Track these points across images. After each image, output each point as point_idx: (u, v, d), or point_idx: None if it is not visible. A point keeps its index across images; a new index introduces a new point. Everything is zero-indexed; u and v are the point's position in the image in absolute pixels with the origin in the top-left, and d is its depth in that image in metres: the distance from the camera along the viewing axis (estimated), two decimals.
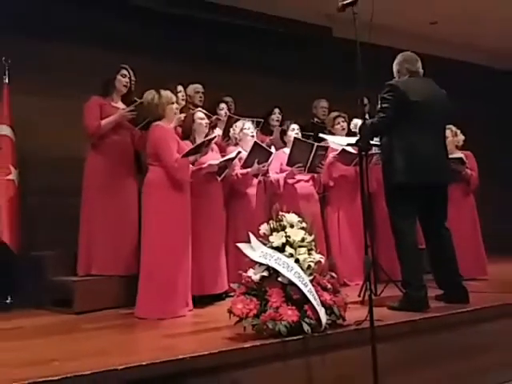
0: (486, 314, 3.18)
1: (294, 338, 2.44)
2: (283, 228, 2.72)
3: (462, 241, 3.89)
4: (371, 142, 3.66)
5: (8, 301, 3.88)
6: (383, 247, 4.28)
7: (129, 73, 4.04)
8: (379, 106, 3.37)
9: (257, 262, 2.61)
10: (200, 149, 3.47)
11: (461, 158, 4.55)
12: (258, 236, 2.74)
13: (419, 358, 2.82)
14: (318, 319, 2.51)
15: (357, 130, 3.66)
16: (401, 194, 3.30)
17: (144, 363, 2.11)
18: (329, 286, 2.71)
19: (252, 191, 4.20)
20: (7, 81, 4.39)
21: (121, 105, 4.00)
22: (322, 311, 2.53)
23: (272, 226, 2.75)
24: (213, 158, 3.78)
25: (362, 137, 3.36)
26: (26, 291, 3.87)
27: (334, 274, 2.85)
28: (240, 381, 2.25)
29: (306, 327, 2.46)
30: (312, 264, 2.65)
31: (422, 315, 2.99)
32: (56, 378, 1.94)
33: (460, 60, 7.36)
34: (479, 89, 7.52)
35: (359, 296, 3.54)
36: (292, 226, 2.73)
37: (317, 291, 2.58)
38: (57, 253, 4.01)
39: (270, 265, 2.56)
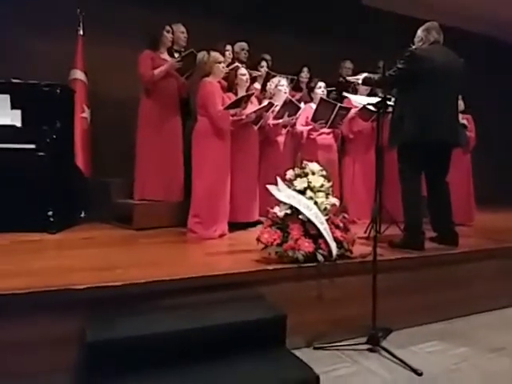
0: (470, 256, 3.12)
1: (309, 264, 2.45)
2: (306, 174, 2.67)
3: (456, 192, 3.74)
4: (387, 103, 3.50)
5: (82, 215, 4.02)
6: (390, 192, 4.14)
7: (172, 29, 3.93)
8: (397, 64, 3.16)
9: (282, 202, 2.59)
10: (240, 103, 3.39)
11: (463, 124, 4.33)
12: (284, 179, 2.71)
13: (411, 287, 2.82)
14: (330, 251, 2.51)
15: (360, 82, 3.47)
16: (411, 150, 3.17)
17: (186, 276, 2.16)
18: (341, 224, 2.69)
19: (281, 139, 4.11)
20: (82, 32, 4.30)
21: (167, 56, 3.91)
22: (333, 245, 2.53)
23: (296, 172, 2.70)
24: (251, 109, 3.69)
25: (365, 84, 3.49)
26: (96, 209, 4.00)
27: (345, 215, 2.81)
28: (264, 295, 2.30)
29: (319, 257, 2.47)
30: (328, 206, 2.61)
31: (417, 253, 2.96)
32: (117, 283, 2.02)
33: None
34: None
35: (365, 233, 3.54)
36: (313, 174, 2.68)
37: (330, 229, 2.57)
38: (121, 179, 4.04)
39: (292, 204, 2.54)
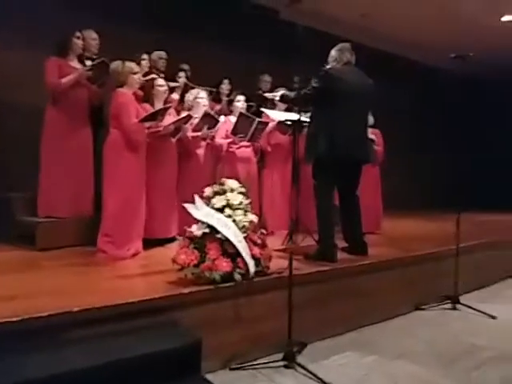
0: (379, 266, 3.30)
1: (227, 284, 2.42)
2: (224, 192, 2.65)
3: (365, 203, 3.92)
4: (302, 119, 3.60)
5: None
6: (306, 203, 4.29)
7: (82, 35, 3.72)
8: (312, 83, 3.27)
9: (200, 220, 2.54)
10: (156, 116, 3.29)
11: (371, 139, 4.60)
12: (202, 196, 2.66)
13: (325, 299, 2.90)
14: (248, 270, 2.51)
15: (278, 98, 3.57)
16: (323, 166, 3.30)
17: (97, 306, 2.01)
18: (259, 241, 2.69)
19: (200, 152, 4.04)
20: None
21: (76, 64, 3.68)
22: (251, 263, 2.52)
23: (215, 189, 2.66)
24: (169, 121, 3.60)
25: (283, 101, 3.57)
26: None
27: (263, 231, 2.83)
28: (179, 320, 2.22)
29: (236, 276, 2.45)
30: (247, 224, 2.59)
31: (330, 265, 3.07)
32: (15, 319, 1.82)
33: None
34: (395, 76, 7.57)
35: (282, 244, 3.63)
36: (232, 191, 2.66)
37: (248, 246, 2.56)
38: (25, 194, 3.69)
39: (211, 223, 2.50)
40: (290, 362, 2.41)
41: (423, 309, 3.50)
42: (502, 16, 6.39)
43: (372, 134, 4.73)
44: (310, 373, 2.31)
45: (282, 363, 2.41)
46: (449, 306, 3.53)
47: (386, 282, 3.32)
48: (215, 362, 2.33)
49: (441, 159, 8.45)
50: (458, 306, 3.50)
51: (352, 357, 2.61)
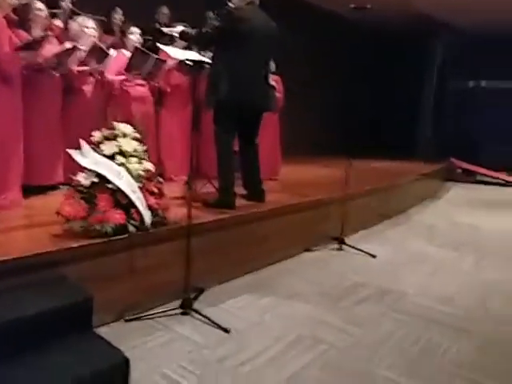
0: (275, 212, 3.41)
1: (120, 237, 2.29)
2: (116, 137, 2.44)
3: (264, 149, 3.94)
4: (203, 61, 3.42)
5: None
6: (206, 149, 4.21)
7: None
8: (213, 23, 3.11)
9: (87, 169, 2.32)
10: (34, 45, 2.84)
11: (272, 86, 4.56)
12: (90, 141, 2.42)
13: (223, 246, 2.94)
14: (143, 220, 2.40)
15: (177, 35, 3.34)
16: (224, 111, 3.21)
17: None
18: (155, 190, 2.57)
19: (87, 88, 3.64)
20: None
21: None
22: (146, 214, 2.41)
23: (105, 134, 2.43)
24: (51, 52, 3.16)
25: (182, 38, 3.34)
26: None
27: (160, 179, 2.71)
28: (66, 276, 2.07)
29: (130, 228, 2.32)
30: (142, 172, 2.45)
31: (229, 213, 3.08)
32: None
33: None
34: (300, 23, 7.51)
35: (182, 192, 3.56)
36: (125, 136, 2.46)
37: (144, 196, 2.44)
38: None
39: (100, 172, 2.30)
40: (186, 308, 2.43)
41: (313, 250, 3.75)
42: None
43: (273, 80, 4.71)
44: (207, 318, 2.36)
45: (179, 311, 2.43)
46: (335, 246, 3.84)
47: (280, 226, 3.45)
48: (109, 314, 2.25)
49: (339, 105, 8.86)
50: (344, 246, 3.83)
51: (248, 300, 2.71)
